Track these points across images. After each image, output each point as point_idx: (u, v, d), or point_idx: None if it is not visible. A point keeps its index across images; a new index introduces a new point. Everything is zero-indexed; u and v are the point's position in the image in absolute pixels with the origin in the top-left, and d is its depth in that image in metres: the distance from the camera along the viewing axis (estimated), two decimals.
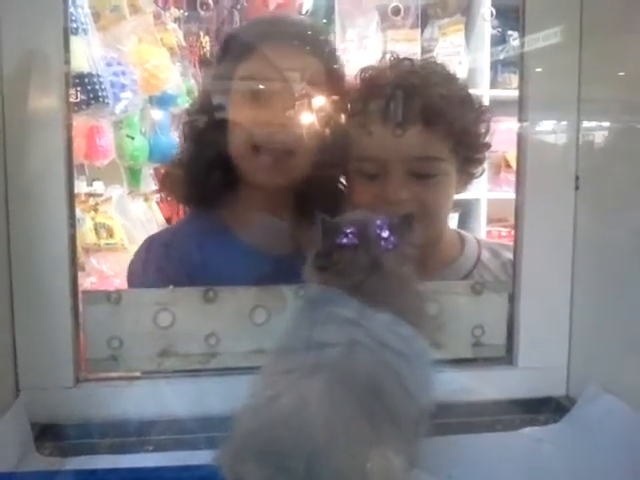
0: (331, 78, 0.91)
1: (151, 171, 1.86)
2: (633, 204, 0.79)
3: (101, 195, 1.60)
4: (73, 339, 0.80)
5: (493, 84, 2.61)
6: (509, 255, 0.95)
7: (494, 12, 2.59)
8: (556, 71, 0.86)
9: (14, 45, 0.76)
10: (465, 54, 2.66)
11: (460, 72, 2.65)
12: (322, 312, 0.63)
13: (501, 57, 2.64)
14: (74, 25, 1.12)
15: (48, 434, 0.76)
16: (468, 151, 0.91)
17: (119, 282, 1.28)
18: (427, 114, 0.87)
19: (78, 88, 1.16)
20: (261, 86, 0.88)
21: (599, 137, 0.86)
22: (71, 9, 1.05)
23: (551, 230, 0.87)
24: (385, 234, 0.66)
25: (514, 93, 0.89)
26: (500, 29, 2.64)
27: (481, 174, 0.96)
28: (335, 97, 0.91)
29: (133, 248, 1.21)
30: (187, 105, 1.77)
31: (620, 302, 0.81)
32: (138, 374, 0.83)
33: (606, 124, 0.85)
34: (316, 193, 0.94)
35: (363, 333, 0.59)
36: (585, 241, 0.86)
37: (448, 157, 0.90)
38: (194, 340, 0.81)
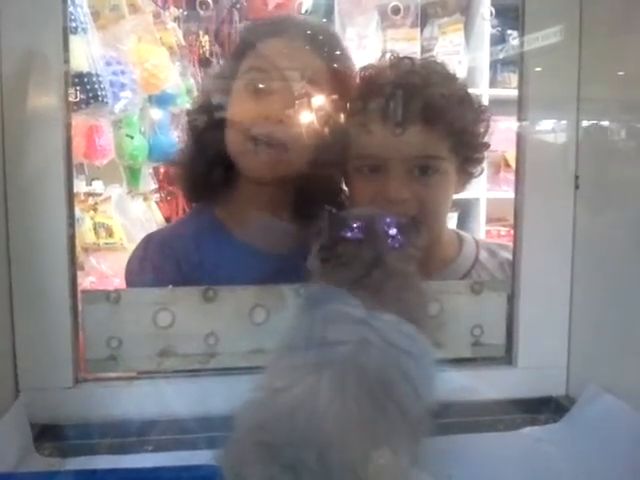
0: (334, 77, 0.91)
1: (150, 170, 1.86)
2: (633, 203, 0.79)
3: (100, 194, 1.60)
4: (72, 339, 0.80)
5: (492, 83, 2.61)
6: (507, 255, 0.95)
7: (493, 11, 2.60)
8: (555, 70, 0.86)
9: (13, 44, 0.76)
10: (464, 53, 2.66)
11: (460, 71, 2.64)
12: (329, 310, 0.63)
13: (500, 56, 2.65)
14: (73, 24, 1.12)
15: (48, 434, 0.76)
16: (467, 150, 0.91)
17: (118, 282, 1.28)
18: (427, 113, 0.87)
19: (77, 87, 1.16)
20: (260, 81, 0.88)
21: (599, 136, 0.86)
22: (70, 8, 1.05)
23: (550, 229, 0.87)
24: (392, 232, 0.66)
25: (513, 92, 0.89)
26: (499, 28, 2.64)
27: (480, 174, 0.96)
28: (335, 96, 0.91)
29: (132, 247, 1.21)
30: (187, 104, 1.78)
31: (620, 301, 0.81)
32: (137, 374, 0.83)
33: (606, 123, 0.85)
34: (315, 191, 0.94)
35: (372, 332, 0.59)
36: (585, 240, 0.86)
37: (447, 156, 0.90)
38: (193, 340, 0.81)
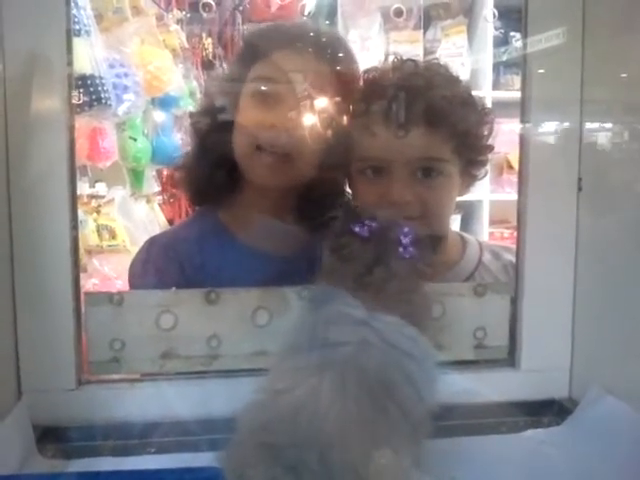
0: (342, 86, 0.91)
1: (154, 173, 1.86)
2: (636, 206, 0.79)
3: (103, 197, 1.60)
4: (75, 341, 0.80)
5: (495, 85, 2.61)
6: (510, 257, 0.95)
7: (496, 13, 2.60)
8: (559, 72, 0.86)
9: (17, 47, 0.76)
10: (467, 55, 2.66)
11: (462, 73, 2.64)
12: (331, 311, 0.64)
13: (503, 58, 2.64)
14: (77, 27, 1.12)
15: (50, 436, 0.76)
16: (471, 153, 0.91)
17: (121, 284, 1.28)
18: (430, 115, 0.87)
19: (80, 90, 1.16)
20: (269, 90, 0.89)
21: (602, 138, 0.86)
22: (74, 11, 1.05)
23: (553, 232, 0.87)
24: (405, 242, 0.66)
25: (516, 94, 0.89)
26: (502, 30, 2.64)
27: (484, 176, 0.96)
28: (341, 102, 0.91)
29: (135, 250, 1.21)
30: (190, 107, 1.78)
31: (623, 304, 0.80)
32: (140, 376, 0.83)
33: (609, 125, 0.85)
34: (319, 194, 0.94)
35: (373, 333, 0.60)
36: (588, 243, 0.86)
37: (451, 158, 0.90)
38: (196, 342, 0.81)
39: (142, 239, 1.50)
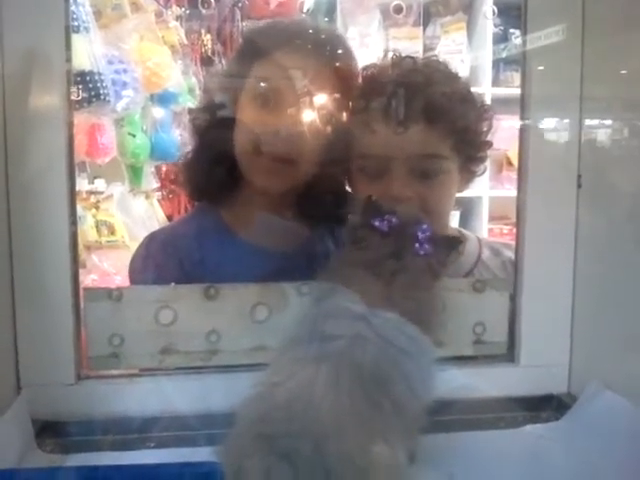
0: (342, 87, 0.91)
1: (152, 169, 1.86)
2: (635, 202, 0.79)
3: (102, 193, 1.60)
4: (74, 336, 0.80)
5: (495, 82, 2.61)
6: (509, 254, 0.95)
7: (496, 10, 2.59)
8: (558, 69, 0.86)
9: (16, 43, 0.76)
10: (467, 52, 2.66)
11: (462, 70, 2.65)
12: (330, 305, 0.64)
13: (503, 55, 2.64)
14: (76, 23, 1.12)
15: (49, 431, 0.76)
16: (470, 149, 0.91)
17: (120, 279, 1.28)
18: (429, 112, 0.87)
19: (79, 86, 1.16)
20: (270, 92, 0.89)
21: (602, 135, 0.86)
22: (72, 7, 1.05)
23: (553, 228, 0.87)
24: (423, 238, 0.66)
25: (516, 91, 0.89)
26: (502, 27, 2.64)
27: (483, 173, 0.96)
28: (342, 101, 0.91)
29: (134, 245, 1.20)
30: (189, 103, 1.78)
31: (622, 299, 0.81)
32: (139, 371, 0.83)
33: (608, 122, 0.85)
34: (319, 192, 0.95)
35: (369, 329, 0.60)
36: (587, 239, 0.86)
37: (450, 155, 0.90)
38: (195, 337, 0.81)
39: (141, 235, 1.50)
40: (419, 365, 0.62)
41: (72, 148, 0.81)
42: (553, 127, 0.88)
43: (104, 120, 1.50)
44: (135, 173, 1.72)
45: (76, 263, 0.80)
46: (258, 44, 0.92)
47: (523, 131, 0.86)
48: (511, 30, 2.58)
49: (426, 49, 2.74)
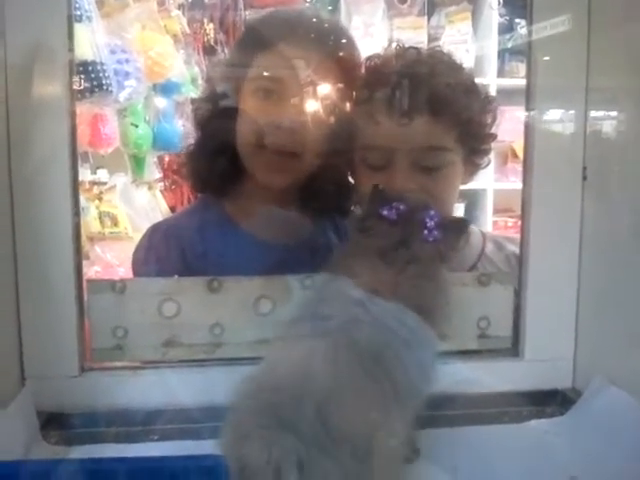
0: (345, 78, 0.90)
1: (155, 159, 1.85)
2: None
3: (105, 183, 1.60)
4: (78, 328, 0.80)
5: (500, 73, 2.59)
6: (513, 248, 0.95)
7: (501, 0, 2.58)
8: (564, 60, 0.85)
9: (18, 33, 0.76)
10: (472, 42, 2.64)
11: (467, 60, 2.62)
12: (330, 291, 0.65)
13: (508, 45, 2.62)
14: (78, 12, 1.11)
15: (54, 423, 0.76)
16: (474, 141, 0.90)
17: (124, 271, 1.27)
18: (433, 104, 0.86)
19: (82, 76, 1.15)
20: (272, 85, 0.89)
21: (607, 126, 0.85)
22: None
23: (558, 221, 0.86)
24: (431, 225, 0.66)
25: (521, 82, 0.88)
26: (507, 17, 2.61)
27: (487, 165, 0.95)
28: (346, 92, 0.90)
29: (137, 237, 1.20)
30: (192, 93, 1.77)
31: (627, 294, 0.80)
32: (143, 363, 0.83)
33: (614, 113, 0.84)
34: (323, 184, 0.94)
35: (367, 314, 0.60)
36: (592, 232, 0.85)
37: (454, 147, 0.89)
38: (199, 330, 0.81)
39: (144, 226, 1.50)
40: (418, 356, 0.62)
41: (75, 138, 0.80)
42: (558, 118, 0.87)
43: (107, 110, 1.49)
44: (138, 163, 1.71)
45: (79, 255, 0.80)
46: (260, 35, 0.92)
47: (528, 122, 0.85)
48: (517, 20, 2.56)
49: (431, 39, 2.72)
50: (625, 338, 0.80)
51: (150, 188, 1.80)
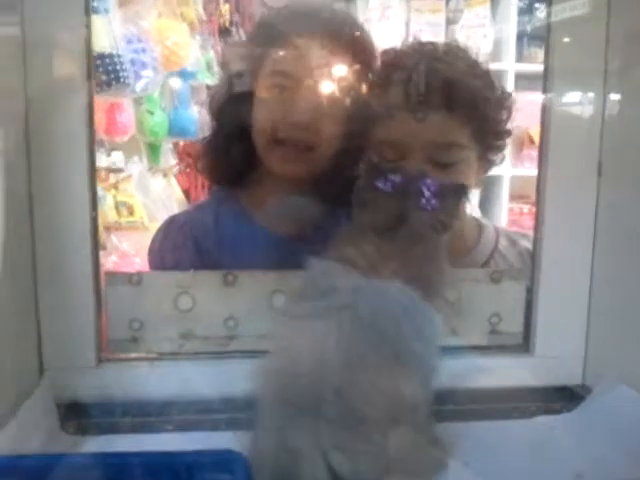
0: (360, 70, 0.90)
1: (170, 145, 1.85)
2: None
3: (121, 170, 1.60)
4: (95, 320, 0.81)
5: (519, 58, 2.56)
6: (527, 244, 0.95)
7: None
8: (583, 43, 0.83)
9: (36, 27, 0.76)
10: (490, 26, 2.60)
11: (485, 45, 2.60)
12: (327, 281, 0.67)
13: (527, 29, 2.58)
14: (95, 4, 1.11)
15: (71, 413, 0.78)
16: (489, 138, 0.90)
17: (139, 261, 1.29)
18: (449, 99, 0.86)
19: (100, 69, 1.15)
20: (288, 82, 0.89)
21: (628, 112, 0.83)
22: None
23: (572, 211, 0.85)
24: (428, 193, 0.67)
25: (540, 67, 0.87)
26: (527, 1, 2.57)
27: (501, 162, 0.95)
28: (361, 88, 0.90)
29: (153, 226, 1.21)
30: (208, 79, 1.77)
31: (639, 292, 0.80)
32: (158, 355, 0.84)
33: (634, 99, 0.82)
34: (338, 178, 0.94)
35: (367, 282, 0.64)
36: (606, 226, 0.85)
37: (469, 144, 0.89)
38: (213, 323, 0.82)
39: (160, 215, 1.52)
40: (417, 323, 0.64)
41: (93, 133, 0.81)
42: (577, 102, 0.86)
43: (123, 99, 1.49)
44: (154, 151, 1.72)
45: (97, 248, 0.81)
46: (274, 29, 0.91)
47: (545, 107, 0.84)
48: (536, 4, 2.52)
49: (449, 22, 2.69)
50: (636, 336, 0.80)
51: (165, 175, 1.81)
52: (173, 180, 1.82)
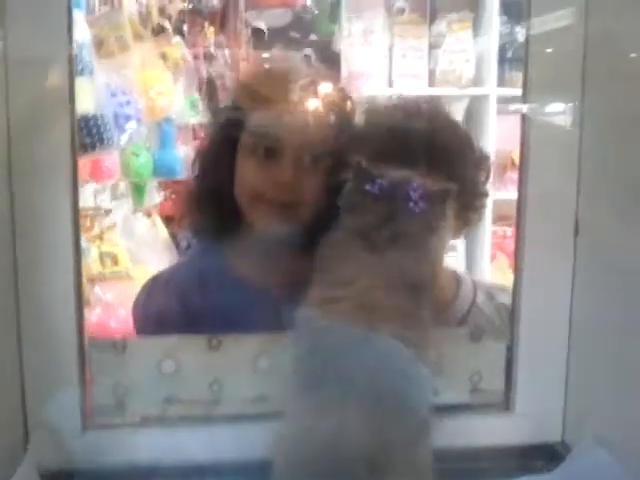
0: (339, 129, 0.92)
1: (155, 184, 1.86)
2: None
3: (108, 211, 1.59)
4: (80, 386, 0.82)
5: (500, 82, 2.58)
6: (504, 298, 0.96)
7: (503, 9, 2.56)
8: (560, 69, 0.84)
9: (20, 91, 0.77)
10: (472, 51, 2.63)
11: (467, 69, 2.63)
12: (316, 341, 0.69)
13: (509, 54, 2.61)
14: (80, 67, 1.11)
15: None
16: (467, 198, 0.92)
17: (124, 312, 1.29)
18: (428, 158, 0.87)
19: (83, 131, 1.16)
20: (266, 152, 0.90)
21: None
22: (76, 52, 1.05)
23: (550, 271, 0.87)
24: (416, 196, 0.68)
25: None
26: (509, 26, 2.60)
27: (479, 221, 0.97)
28: (340, 146, 0.91)
29: (137, 275, 1.22)
30: (192, 118, 1.78)
31: (617, 349, 0.81)
32: (144, 420, 0.85)
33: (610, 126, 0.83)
34: (323, 231, 0.96)
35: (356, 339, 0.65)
36: (584, 286, 0.86)
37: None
38: (198, 387, 0.83)
39: (144, 258, 1.52)
40: (416, 391, 0.67)
41: (76, 193, 0.82)
42: (555, 120, 0.87)
43: None
44: (138, 191, 1.72)
45: (81, 315, 0.82)
46: (254, 91, 0.93)
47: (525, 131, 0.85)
48: (517, 29, 2.55)
49: (432, 47, 2.71)
50: (615, 391, 0.82)
51: (150, 215, 1.81)
52: (157, 219, 1.83)
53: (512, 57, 2.63)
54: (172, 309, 0.94)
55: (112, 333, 1.26)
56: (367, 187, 0.69)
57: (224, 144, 0.94)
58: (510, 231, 2.58)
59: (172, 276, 1.02)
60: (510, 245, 2.50)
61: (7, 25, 0.75)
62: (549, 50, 0.84)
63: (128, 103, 1.37)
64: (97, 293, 1.33)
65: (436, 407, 0.82)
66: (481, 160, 0.93)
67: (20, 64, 0.77)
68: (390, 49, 2.71)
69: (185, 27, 2.63)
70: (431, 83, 2.64)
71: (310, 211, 0.92)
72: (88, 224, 1.40)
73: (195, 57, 2.03)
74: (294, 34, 3.12)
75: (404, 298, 0.69)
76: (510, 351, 0.87)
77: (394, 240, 0.68)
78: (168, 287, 0.97)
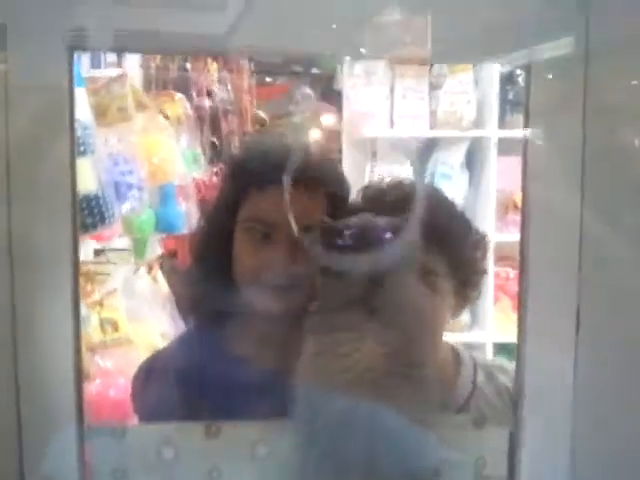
0: (337, 211, 0.92)
1: (158, 238, 1.86)
2: None
3: (107, 274, 1.58)
4: (80, 472, 0.81)
5: (501, 124, 2.60)
6: (503, 379, 0.96)
7: None
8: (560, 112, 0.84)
9: (21, 171, 0.77)
10: (474, 93, 2.65)
11: (469, 111, 2.64)
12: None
13: (510, 96, 2.63)
14: (82, 149, 1.12)
15: None
16: (465, 276, 0.93)
17: (123, 382, 1.29)
18: (425, 238, 0.87)
19: (85, 212, 1.16)
20: (262, 237, 0.91)
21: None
22: (78, 132, 1.06)
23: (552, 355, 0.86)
24: (387, 236, 0.70)
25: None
26: (509, 68, 2.62)
27: (477, 298, 0.97)
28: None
29: (138, 339, 1.21)
30: (193, 174, 1.79)
31: (620, 433, 0.81)
32: None
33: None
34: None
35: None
36: (587, 357, 0.85)
37: (445, 276, 0.91)
38: (197, 474, 0.82)
39: (145, 317, 1.52)
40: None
41: (77, 279, 0.82)
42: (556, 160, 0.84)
43: None
44: (140, 246, 1.72)
45: (81, 400, 0.81)
46: (248, 173, 0.93)
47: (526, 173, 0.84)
48: (518, 71, 2.57)
49: (432, 87, 2.73)
50: (621, 473, 0.81)
51: (150, 270, 1.81)
52: (159, 275, 1.83)
53: (513, 99, 2.65)
54: (171, 393, 0.93)
55: (111, 403, 1.25)
56: (339, 242, 0.69)
57: (220, 228, 0.95)
58: (513, 272, 2.57)
59: (170, 357, 1.02)
60: (513, 286, 2.50)
61: None
62: (550, 95, 0.84)
63: (130, 172, 1.37)
64: (97, 362, 1.32)
65: None
66: (478, 240, 0.94)
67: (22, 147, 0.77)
68: (391, 90, 2.73)
69: (188, 65, 2.66)
70: (432, 124, 2.66)
71: (309, 290, 0.92)
72: (89, 288, 1.40)
73: (197, 109, 2.05)
74: (296, 68, 3.15)
75: (404, 359, 0.68)
76: (513, 437, 0.86)
77: (384, 281, 0.67)
78: (166, 368, 0.96)
